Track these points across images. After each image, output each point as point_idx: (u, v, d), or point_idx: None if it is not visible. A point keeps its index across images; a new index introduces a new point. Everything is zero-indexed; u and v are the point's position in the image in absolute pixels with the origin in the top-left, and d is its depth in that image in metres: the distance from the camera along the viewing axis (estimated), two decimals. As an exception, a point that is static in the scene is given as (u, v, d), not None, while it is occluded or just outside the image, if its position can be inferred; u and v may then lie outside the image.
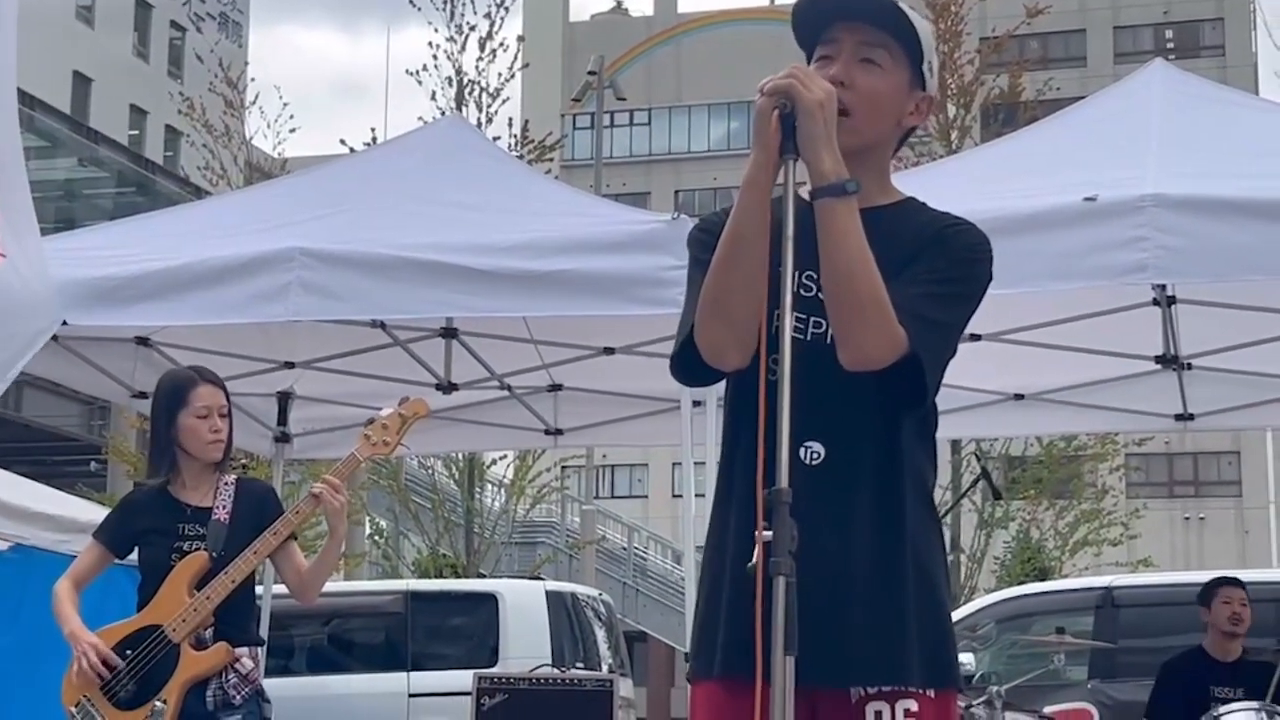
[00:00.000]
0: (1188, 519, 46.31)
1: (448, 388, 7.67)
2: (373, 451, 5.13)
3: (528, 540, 28.17)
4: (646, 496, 48.46)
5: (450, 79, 19.63)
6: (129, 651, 4.84)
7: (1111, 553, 21.00)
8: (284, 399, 8.15)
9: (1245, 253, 5.19)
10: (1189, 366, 7.36)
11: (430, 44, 19.84)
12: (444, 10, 19.85)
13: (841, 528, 2.76)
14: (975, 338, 7.01)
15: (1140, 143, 5.91)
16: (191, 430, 4.94)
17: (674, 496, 50.28)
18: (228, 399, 5.06)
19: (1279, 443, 43.00)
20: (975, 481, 7.57)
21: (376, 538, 21.62)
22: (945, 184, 6.26)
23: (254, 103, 21.30)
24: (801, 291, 2.79)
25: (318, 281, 5.96)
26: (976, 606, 11.11)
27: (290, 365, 7.71)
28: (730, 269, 2.71)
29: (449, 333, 7.34)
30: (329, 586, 15.40)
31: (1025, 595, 11.25)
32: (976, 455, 10.90)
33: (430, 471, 20.36)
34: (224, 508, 4.93)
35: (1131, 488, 29.60)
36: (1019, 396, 7.82)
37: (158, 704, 4.76)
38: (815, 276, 2.78)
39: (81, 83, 44.23)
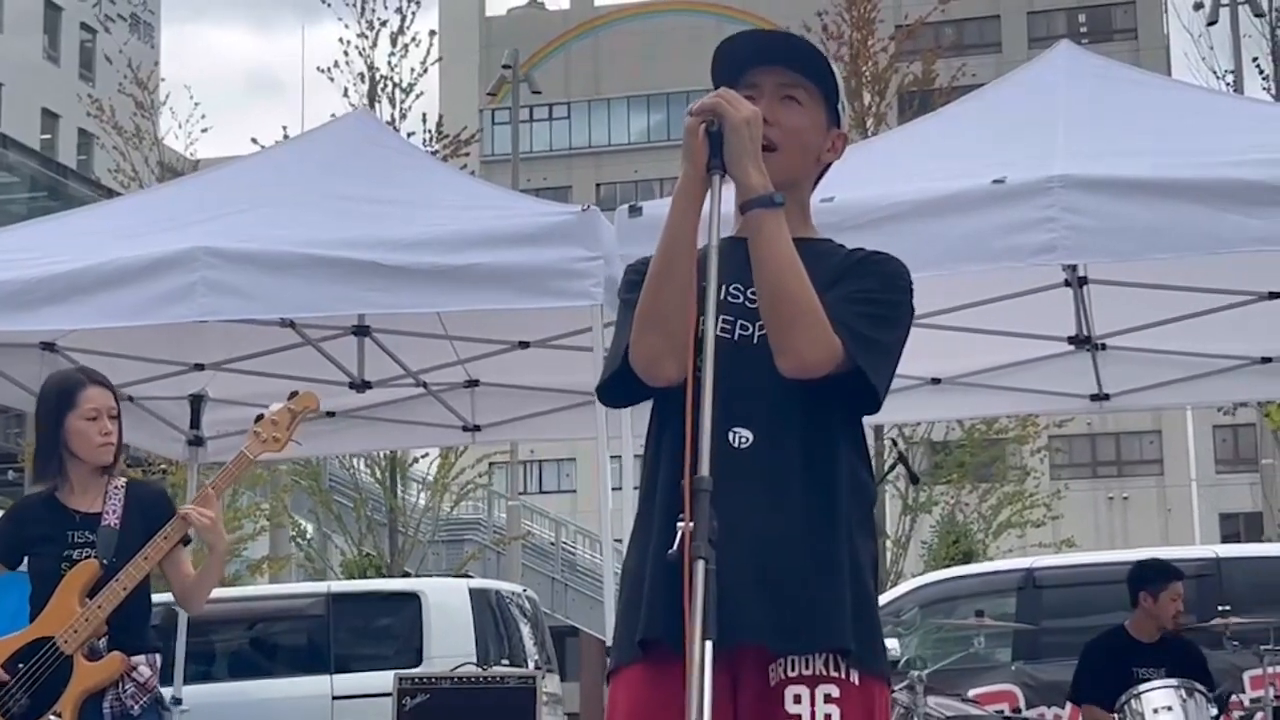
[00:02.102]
0: (1111, 499, 46.78)
1: (361, 386, 7.58)
2: (263, 449, 5.04)
3: (454, 538, 28.05)
4: (575, 491, 48.41)
5: (363, 75, 19.51)
6: (20, 665, 4.69)
7: (1036, 534, 21.17)
8: (196, 402, 8.04)
9: (1153, 232, 5.20)
10: (1103, 347, 7.39)
11: (341, 40, 19.72)
12: (354, 6, 19.74)
13: (773, 508, 2.81)
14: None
15: (1048, 124, 5.91)
16: (80, 433, 4.80)
17: (613, 489, 50.22)
18: (117, 401, 4.94)
19: (1199, 422, 43.55)
20: (893, 467, 7.57)
21: (299, 540, 21.44)
22: (853, 169, 6.23)
23: (164, 103, 21.06)
24: (728, 298, 2.91)
25: (223, 281, 5.86)
26: (900, 592, 11.13)
27: (200, 367, 7.61)
28: (664, 281, 2.81)
29: (361, 330, 7.26)
30: (251, 590, 15.29)
31: (948, 579, 11.28)
32: (893, 441, 10.94)
33: (352, 471, 20.21)
34: (114, 513, 4.80)
35: (1055, 469, 29.91)
36: (935, 381, 7.82)
37: (53, 718, 4.63)
38: (741, 288, 2.89)
39: (-9, 87, 43.72)
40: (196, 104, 23.84)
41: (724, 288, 2.88)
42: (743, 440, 2.84)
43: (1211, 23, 21.65)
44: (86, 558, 4.74)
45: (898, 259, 3.01)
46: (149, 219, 6.48)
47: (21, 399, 7.66)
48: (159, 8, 52.09)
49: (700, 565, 2.40)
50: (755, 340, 2.88)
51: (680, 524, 2.47)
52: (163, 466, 17.67)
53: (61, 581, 4.71)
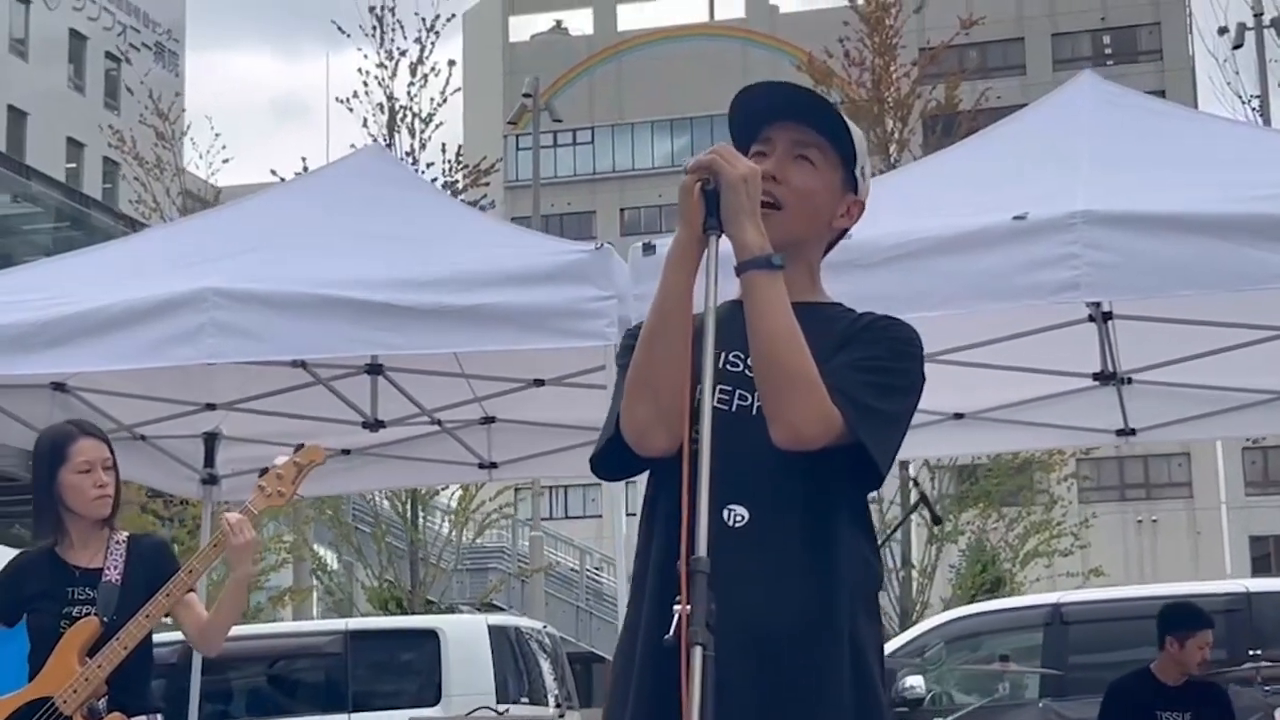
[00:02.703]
0: (1140, 522, 46.50)
1: (374, 425, 7.49)
2: (268, 503, 4.96)
3: (478, 567, 27.94)
4: (599, 516, 48.25)
5: (382, 105, 19.47)
6: None
7: (1065, 561, 20.98)
8: (210, 440, 7.97)
9: (1176, 269, 5.09)
10: (1129, 381, 7.27)
11: (360, 70, 19.71)
12: (373, 36, 19.73)
13: (769, 593, 2.69)
14: (910, 359, 6.91)
15: (1070, 158, 5.81)
16: (74, 487, 4.71)
17: (628, 515, 50.16)
18: (111, 452, 4.84)
19: (1228, 444, 43.24)
20: (914, 507, 7.46)
21: (320, 573, 21.34)
22: (871, 205, 6.13)
23: (185, 133, 21.07)
24: (727, 367, 2.79)
25: (231, 322, 5.78)
26: (925, 628, 11.00)
27: (212, 407, 7.52)
28: (655, 346, 2.71)
29: (374, 369, 7.16)
30: (267, 628, 15.20)
31: (973, 615, 11.13)
32: (915, 482, 10.79)
33: (372, 502, 20.12)
34: (115, 568, 4.70)
35: (1083, 493, 29.66)
36: (958, 416, 7.70)
37: None
38: (742, 356, 2.77)
39: (17, 117, 43.90)
40: (218, 134, 23.92)
41: (722, 355, 2.78)
42: (738, 519, 2.72)
43: (1236, 46, 21.51)
44: (87, 615, 4.64)
45: (907, 324, 2.89)
46: (158, 258, 6.41)
47: (31, 439, 7.56)
48: (184, 36, 52.29)
49: (698, 651, 2.29)
50: (755, 411, 2.76)
51: (677, 606, 2.36)
52: (182, 500, 17.62)
53: (61, 640, 4.61)
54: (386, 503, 20.11)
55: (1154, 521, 46.61)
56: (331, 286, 5.84)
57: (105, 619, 4.63)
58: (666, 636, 2.35)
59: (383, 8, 19.81)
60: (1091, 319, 6.52)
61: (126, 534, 4.86)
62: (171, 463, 8.10)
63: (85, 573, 4.72)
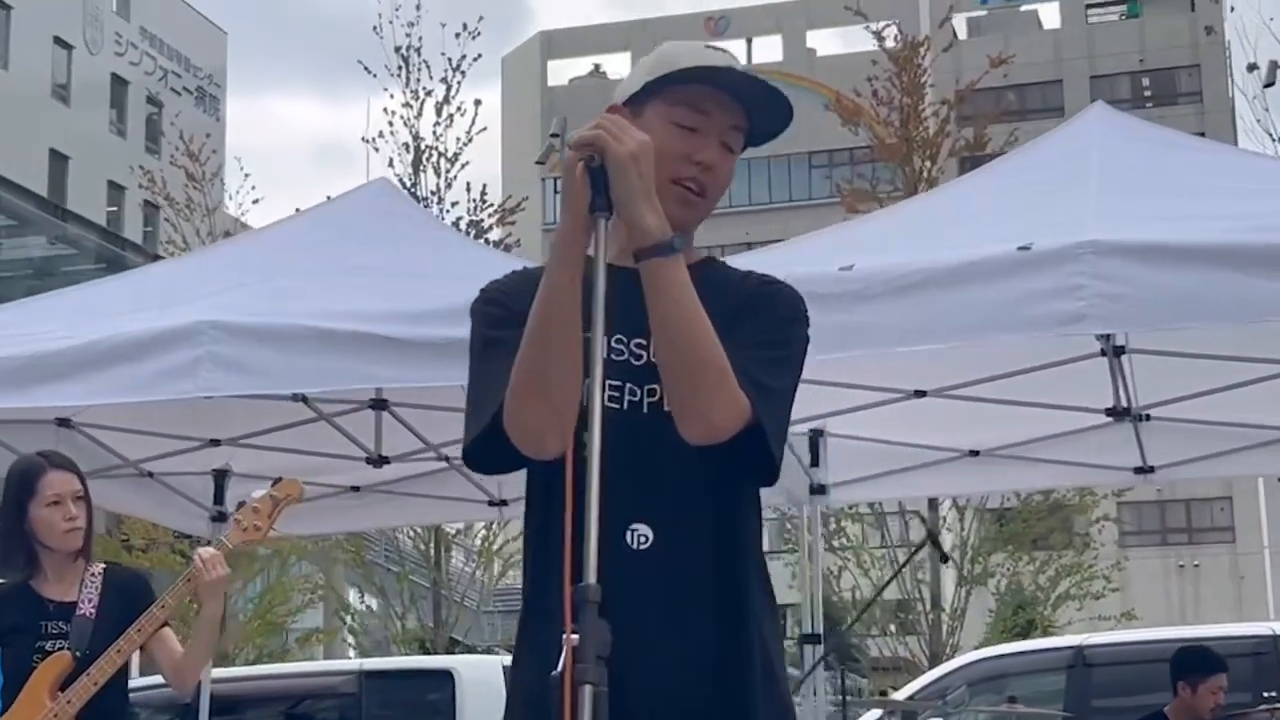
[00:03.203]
0: (1182, 567, 46.05)
1: (378, 461, 7.41)
2: (244, 538, 4.85)
3: (509, 609, 27.76)
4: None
5: (407, 144, 19.49)
6: None
7: (1102, 605, 20.75)
8: (220, 477, 7.92)
9: (1187, 300, 4.96)
10: (1147, 418, 7.14)
11: (386, 110, 19.74)
12: (399, 76, 19.77)
13: (676, 618, 2.50)
14: (919, 394, 6.81)
15: (1078, 188, 5.71)
16: (44, 521, 4.63)
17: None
18: (83, 483, 4.77)
19: (1271, 487, 42.77)
20: (921, 544, 7.35)
21: (342, 613, 21.24)
22: (876, 235, 6.06)
23: (216, 175, 21.11)
24: (612, 356, 2.56)
25: (229, 356, 5.69)
26: (947, 669, 10.84)
27: (216, 443, 7.45)
28: (546, 342, 2.46)
29: (379, 404, 7.08)
30: (281, 668, 15.11)
31: (996, 657, 10.97)
32: (921, 519, 10.63)
33: (394, 540, 20.00)
34: (89, 602, 4.61)
35: (1124, 536, 29.41)
36: (974, 453, 7.58)
37: None
38: (626, 340, 2.56)
39: (58, 161, 44.18)
40: (247, 174, 24.01)
41: (606, 340, 2.51)
42: (642, 540, 2.51)
43: (1269, 84, 21.33)
44: (60, 649, 4.55)
45: (791, 287, 2.71)
46: (157, 292, 6.37)
47: (37, 476, 7.54)
48: (225, 81, 52.63)
49: (587, 690, 2.09)
50: (646, 409, 2.55)
51: (570, 637, 2.15)
52: (191, 538, 17.59)
53: (32, 674, 4.52)
54: (408, 541, 19.99)
55: (1196, 566, 46.15)
56: (331, 320, 5.76)
57: (78, 653, 4.54)
58: (554, 673, 2.15)
59: (409, 48, 19.88)
60: (1103, 353, 6.38)
61: (102, 566, 4.78)
62: (179, 499, 8.03)
63: (59, 606, 4.64)
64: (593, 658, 2.11)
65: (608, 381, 2.53)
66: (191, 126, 23.94)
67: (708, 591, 2.53)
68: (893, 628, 22.44)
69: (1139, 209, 5.46)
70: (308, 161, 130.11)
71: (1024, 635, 19.27)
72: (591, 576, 2.17)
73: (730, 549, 2.55)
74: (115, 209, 45.35)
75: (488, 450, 2.58)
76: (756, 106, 2.69)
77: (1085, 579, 19.93)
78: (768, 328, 2.59)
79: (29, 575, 4.69)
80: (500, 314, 2.60)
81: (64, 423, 7.15)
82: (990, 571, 19.46)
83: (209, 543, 5.09)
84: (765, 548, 2.81)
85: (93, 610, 4.61)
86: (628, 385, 2.58)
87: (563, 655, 2.15)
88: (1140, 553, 44.24)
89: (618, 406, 2.56)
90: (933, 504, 16.99)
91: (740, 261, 6.14)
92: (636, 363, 2.57)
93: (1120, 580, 21.09)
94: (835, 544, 18.31)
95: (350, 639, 21.67)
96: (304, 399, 6.79)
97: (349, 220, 6.75)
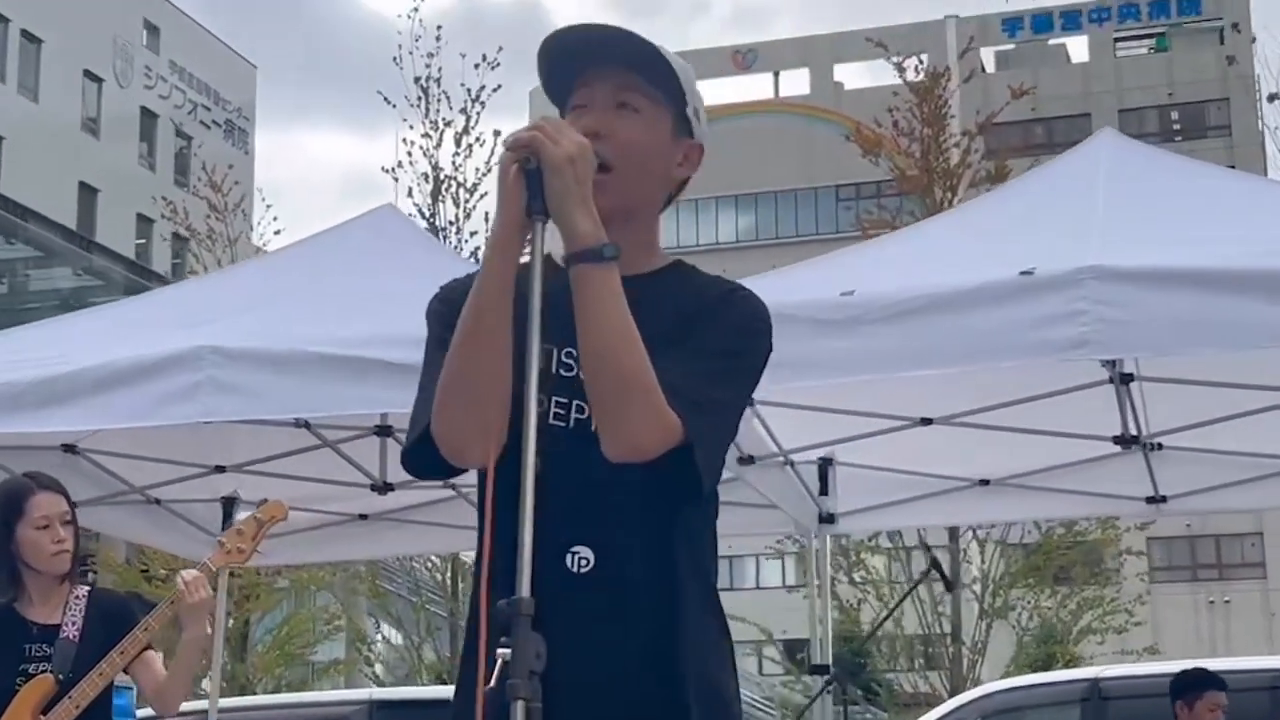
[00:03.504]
0: (1212, 603, 45.74)
1: (383, 488, 7.38)
2: (227, 560, 4.84)
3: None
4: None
5: (426, 175, 19.51)
6: None
7: (1129, 639, 20.57)
8: (229, 504, 7.89)
9: (1192, 326, 4.89)
10: (1159, 447, 7.06)
11: (405, 140, 19.79)
12: (419, 107, 19.81)
13: (616, 643, 2.44)
14: (926, 421, 6.76)
15: (1083, 213, 5.65)
16: (32, 543, 4.60)
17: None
18: (71, 505, 4.75)
19: (1301, 522, 42.51)
20: (926, 572, 7.27)
21: (360, 645, 21.16)
22: (876, 261, 6.02)
23: (238, 205, 21.17)
24: (562, 372, 2.49)
25: (229, 380, 5.67)
26: (961, 701, 10.75)
27: (221, 469, 7.43)
28: (473, 346, 2.39)
29: (383, 430, 7.04)
30: (289, 698, 15.05)
31: (1011, 689, 10.87)
32: (926, 545, 10.56)
33: (410, 567, 19.91)
34: (74, 624, 4.59)
35: (1154, 571, 29.20)
36: (984, 482, 7.51)
37: None
38: (575, 354, 2.47)
39: (88, 193, 44.43)
40: (269, 205, 24.06)
41: (554, 354, 2.47)
42: (583, 563, 2.44)
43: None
44: (43, 672, 4.52)
45: (756, 297, 2.60)
46: (160, 318, 6.35)
47: (43, 502, 7.53)
48: (254, 114, 52.90)
49: (519, 707, 2.04)
50: (594, 426, 2.45)
51: (501, 650, 2.09)
52: (233, 573, 17.54)
53: (15, 697, 4.49)
54: (427, 571, 19.90)
55: (1226, 602, 45.82)
56: (334, 344, 5.73)
57: (61, 676, 4.52)
58: (488, 686, 2.09)
59: (428, 79, 19.93)
60: (1111, 381, 6.32)
61: (87, 589, 4.76)
62: (186, 526, 8.01)
63: (43, 629, 4.62)
64: (525, 673, 2.06)
65: (554, 398, 2.48)
66: (220, 159, 24.01)
67: (644, 616, 2.46)
68: (915, 662, 22.30)
69: (1144, 234, 5.41)
70: (336, 194, 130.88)
71: (1046, 669, 19.12)
72: (525, 590, 2.12)
73: (667, 572, 2.49)
74: (144, 241, 45.58)
75: (423, 457, 2.52)
76: (614, 57, 2.58)
77: (1108, 613, 19.77)
78: (721, 337, 2.50)
79: (13, 598, 4.67)
80: (452, 315, 2.49)
81: (70, 449, 7.15)
82: (1011, 605, 19.34)
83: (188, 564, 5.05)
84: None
85: (76, 633, 4.59)
86: (575, 402, 2.50)
87: (496, 668, 2.09)
88: (1170, 588, 43.96)
89: (563, 424, 2.50)
90: (953, 535, 16.91)
91: (747, 285, 6.14)
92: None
93: (1149, 616, 20.92)
94: (856, 577, 18.24)
95: (368, 670, 21.57)
96: (307, 425, 6.76)
97: (354, 246, 6.73)
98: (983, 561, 18.29)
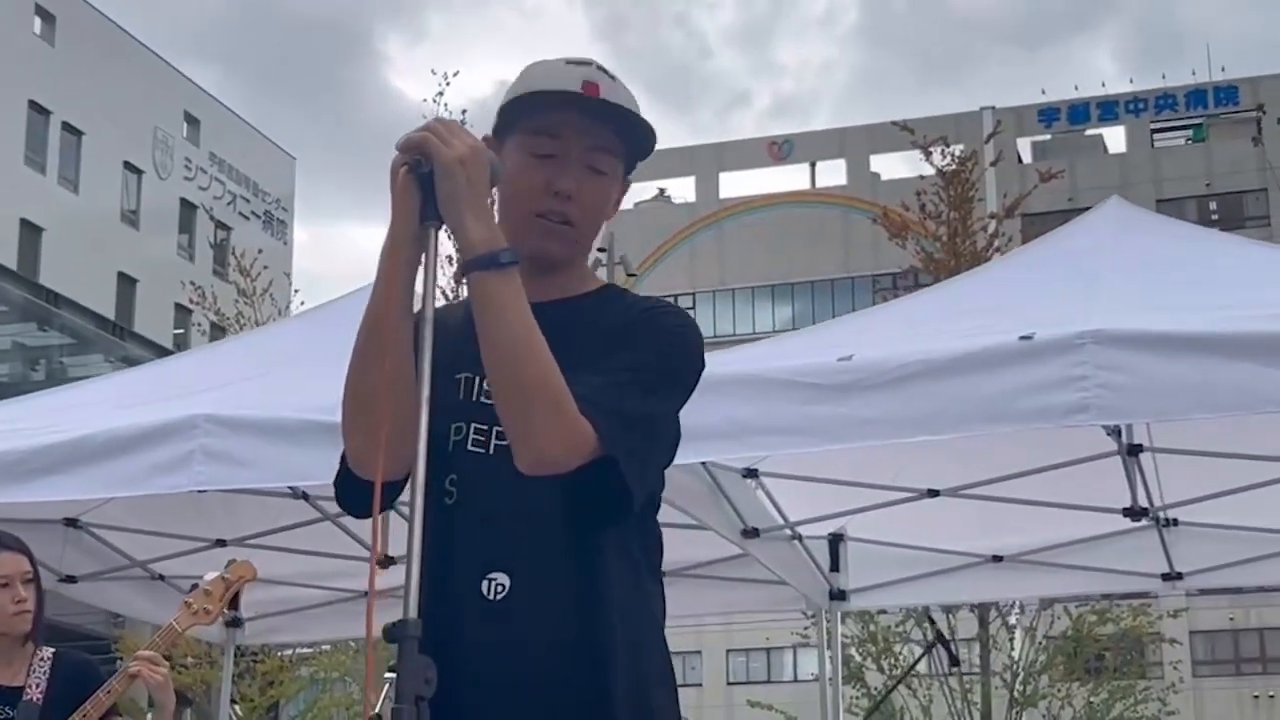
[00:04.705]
0: (1256, 697, 45.02)
1: (385, 562, 7.27)
2: (194, 621, 4.75)
3: None
4: (701, 685, 47.64)
5: (451, 257, 19.46)
6: None
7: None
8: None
9: (1195, 390, 4.78)
10: (1174, 522, 6.93)
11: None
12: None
13: (534, 671, 2.34)
14: (933, 493, 6.64)
15: (1087, 280, 5.58)
16: None
17: (728, 684, 49.34)
18: (33, 564, 4.68)
19: (1347, 614, 41.87)
20: (930, 647, 7.11)
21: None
22: (876, 327, 5.94)
23: (267, 290, 21.24)
24: (483, 399, 2.42)
25: (222, 449, 5.61)
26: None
27: (223, 543, 7.35)
28: (370, 361, 2.35)
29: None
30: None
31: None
32: (930, 620, 10.36)
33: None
34: (37, 686, 4.52)
35: (1196, 665, 28.80)
36: (997, 558, 7.38)
37: None
38: None
39: (126, 283, 44.75)
40: (296, 290, 24.05)
41: (477, 382, 2.40)
42: (498, 590, 2.36)
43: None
44: None
45: (682, 313, 2.53)
46: (156, 389, 6.31)
47: (44, 578, 7.44)
48: (292, 205, 53.31)
49: None
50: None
51: (389, 674, 2.07)
52: (254, 651, 17.40)
53: None
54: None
55: (1271, 697, 45.10)
56: (329, 412, 5.65)
57: None
58: (373, 713, 2.05)
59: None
60: (1118, 452, 6.20)
61: (52, 651, 4.69)
62: (190, 603, 7.91)
63: (6, 691, 4.55)
64: (411, 697, 1.97)
65: (474, 424, 2.42)
66: (258, 249, 24.04)
67: (567, 643, 2.37)
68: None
69: (1147, 299, 5.33)
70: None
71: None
72: (411, 611, 2.05)
73: (595, 596, 2.39)
74: (182, 331, 45.81)
75: (343, 482, 2.53)
76: (615, 121, 2.52)
77: (1139, 701, 19.43)
78: (645, 352, 2.41)
79: None
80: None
81: (71, 522, 7.11)
82: (1042, 694, 19.03)
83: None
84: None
85: (40, 696, 4.52)
86: (495, 429, 2.41)
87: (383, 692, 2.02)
88: (1213, 682, 43.33)
89: (482, 451, 2.42)
90: (983, 622, 16.68)
91: (745, 351, 6.07)
92: None
93: (1193, 709, 20.57)
94: (884, 664, 18.01)
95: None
96: (304, 495, 6.69)
97: (352, 315, 6.66)
98: (1012, 648, 18.03)
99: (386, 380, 2.31)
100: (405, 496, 2.35)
